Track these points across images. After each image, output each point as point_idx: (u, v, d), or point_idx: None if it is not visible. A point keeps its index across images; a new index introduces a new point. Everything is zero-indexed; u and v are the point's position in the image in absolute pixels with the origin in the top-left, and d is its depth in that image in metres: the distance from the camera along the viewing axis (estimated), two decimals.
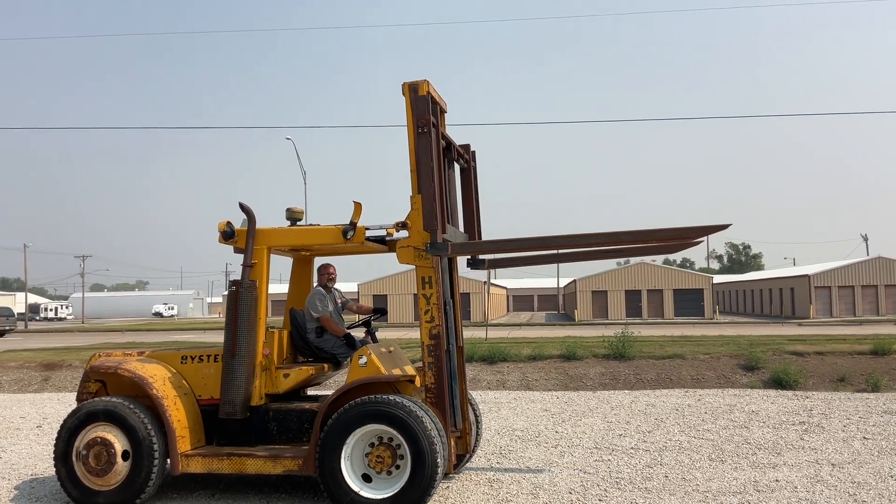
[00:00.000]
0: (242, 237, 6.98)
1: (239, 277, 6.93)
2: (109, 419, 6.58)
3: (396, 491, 6.12)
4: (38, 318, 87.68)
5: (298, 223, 7.30)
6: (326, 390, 11.13)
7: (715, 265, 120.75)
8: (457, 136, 7.74)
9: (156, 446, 6.51)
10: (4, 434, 10.80)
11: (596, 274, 59.52)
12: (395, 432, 6.17)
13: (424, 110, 6.63)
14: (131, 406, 6.61)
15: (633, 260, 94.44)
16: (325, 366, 7.30)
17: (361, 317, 7.78)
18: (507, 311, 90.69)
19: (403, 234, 6.80)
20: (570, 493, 6.92)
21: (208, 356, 7.05)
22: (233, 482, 7.48)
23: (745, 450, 8.70)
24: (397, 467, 6.25)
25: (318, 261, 8.02)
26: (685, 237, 6.47)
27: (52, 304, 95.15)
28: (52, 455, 6.74)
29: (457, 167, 7.93)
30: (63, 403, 14.40)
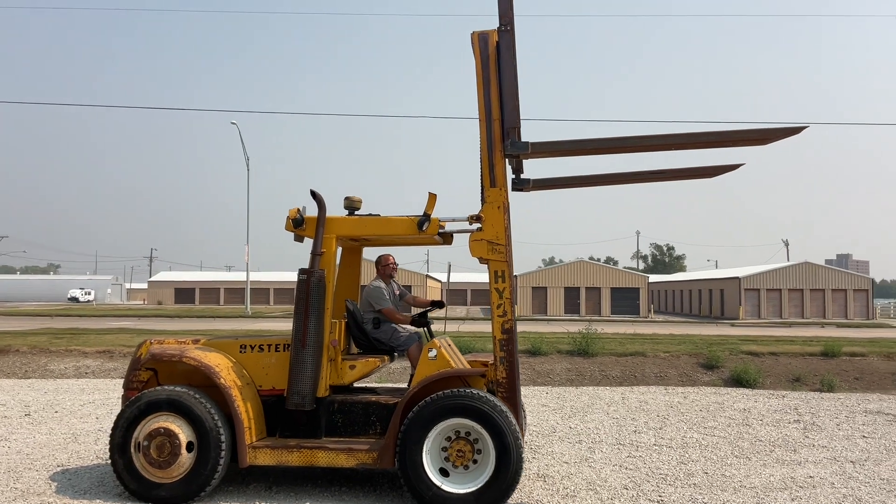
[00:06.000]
0: (311, 225, 6.81)
1: (301, 266, 6.76)
2: (173, 409, 6.31)
3: (481, 485, 6.07)
4: None
5: (356, 212, 7.16)
6: (370, 382, 10.77)
7: (641, 265, 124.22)
8: None
9: (223, 437, 6.27)
10: None
11: (535, 270, 60.33)
12: (478, 427, 6.14)
13: (508, 9, 6.60)
14: (196, 395, 6.35)
15: (570, 258, 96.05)
16: (385, 357, 7.20)
17: (418, 309, 7.69)
18: None
19: (476, 226, 6.75)
20: (625, 489, 7.04)
21: (269, 345, 6.85)
22: (281, 475, 7.30)
23: (762, 447, 9.03)
24: (475, 462, 6.23)
25: (369, 251, 7.90)
26: (765, 138, 6.38)
27: None
28: (108, 446, 6.41)
29: None
30: (37, 391, 13.70)
